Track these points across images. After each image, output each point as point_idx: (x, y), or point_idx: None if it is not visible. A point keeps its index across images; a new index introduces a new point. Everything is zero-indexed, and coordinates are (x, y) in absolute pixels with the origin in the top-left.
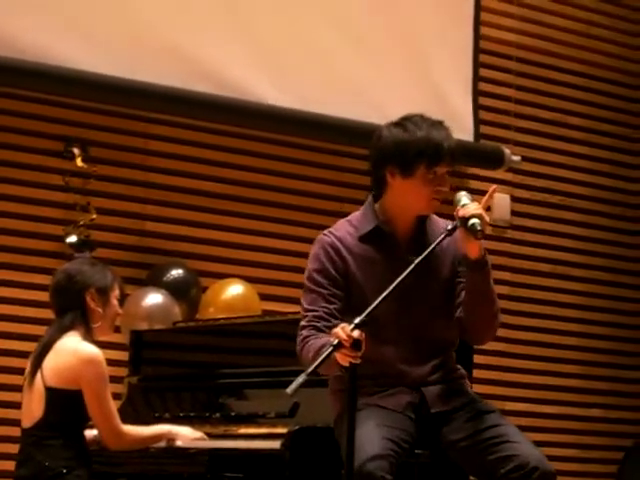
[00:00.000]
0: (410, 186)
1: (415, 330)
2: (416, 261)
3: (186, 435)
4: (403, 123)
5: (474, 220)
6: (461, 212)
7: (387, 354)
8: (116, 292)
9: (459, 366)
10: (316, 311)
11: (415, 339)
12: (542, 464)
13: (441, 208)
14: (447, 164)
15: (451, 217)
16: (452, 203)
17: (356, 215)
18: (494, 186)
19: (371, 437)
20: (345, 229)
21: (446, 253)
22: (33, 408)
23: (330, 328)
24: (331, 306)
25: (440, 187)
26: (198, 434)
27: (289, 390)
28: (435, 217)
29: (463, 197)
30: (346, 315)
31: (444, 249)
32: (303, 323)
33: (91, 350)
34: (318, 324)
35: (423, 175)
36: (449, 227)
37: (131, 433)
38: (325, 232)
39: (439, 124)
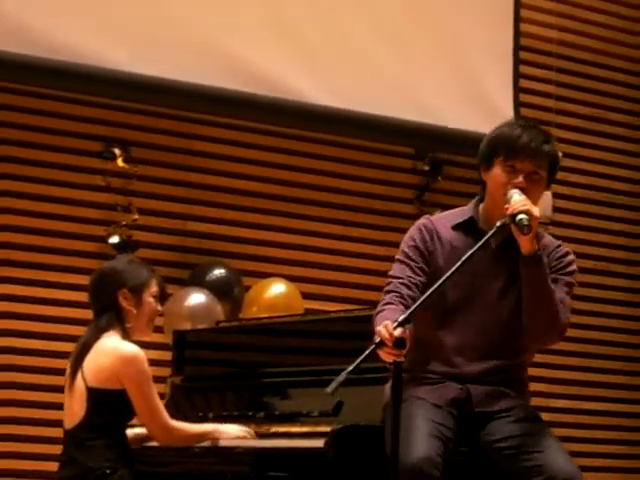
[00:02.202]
0: (490, 178)
1: (482, 325)
2: (463, 258)
3: (233, 432)
4: (502, 124)
5: (521, 216)
6: (510, 209)
7: (445, 341)
8: (152, 290)
9: (528, 385)
10: (402, 279)
11: (480, 335)
12: (571, 479)
13: None
14: (526, 158)
15: None
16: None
17: (458, 209)
18: None
19: (420, 433)
20: (442, 218)
21: None
22: (75, 409)
23: (413, 299)
24: (417, 277)
25: (519, 182)
26: (245, 429)
27: (329, 389)
28: None
29: (514, 194)
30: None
31: None
32: (388, 288)
33: (131, 349)
34: (402, 291)
35: (501, 165)
36: (498, 224)
37: (180, 428)
38: (424, 216)
39: (534, 127)
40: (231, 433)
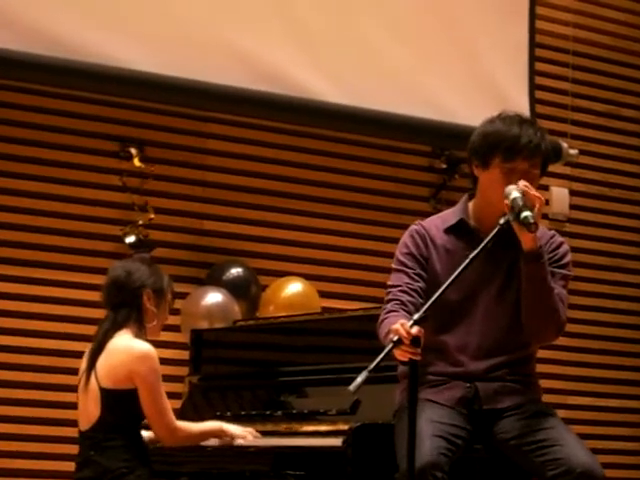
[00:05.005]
0: (487, 178)
1: (484, 324)
2: (471, 256)
3: (236, 431)
4: (494, 118)
5: (526, 213)
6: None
7: (448, 342)
8: (169, 296)
9: (537, 377)
10: (400, 286)
11: (482, 333)
12: (590, 471)
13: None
14: (525, 159)
15: None
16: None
17: (448, 211)
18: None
19: (421, 435)
20: (433, 222)
21: None
22: (90, 410)
23: (414, 304)
24: (415, 284)
25: (518, 183)
26: (248, 429)
27: (352, 387)
28: None
29: (513, 191)
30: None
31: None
32: (388, 297)
33: (144, 346)
34: (402, 298)
35: (499, 167)
36: (501, 221)
37: (184, 429)
38: (415, 222)
39: (529, 122)
40: (234, 432)
